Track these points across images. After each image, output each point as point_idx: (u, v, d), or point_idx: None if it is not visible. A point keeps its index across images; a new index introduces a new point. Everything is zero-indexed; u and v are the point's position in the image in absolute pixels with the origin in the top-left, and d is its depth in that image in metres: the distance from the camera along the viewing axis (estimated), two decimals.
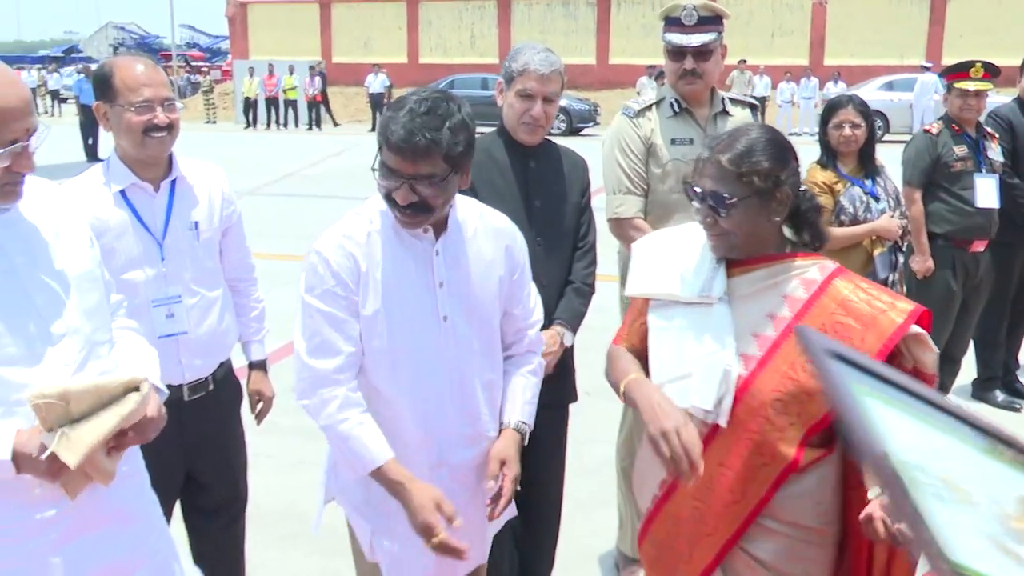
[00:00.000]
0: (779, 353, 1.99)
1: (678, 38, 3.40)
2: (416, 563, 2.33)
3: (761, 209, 2.01)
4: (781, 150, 2.05)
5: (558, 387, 3.14)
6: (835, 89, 23.25)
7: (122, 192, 2.68)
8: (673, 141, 3.45)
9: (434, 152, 2.05)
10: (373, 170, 2.16)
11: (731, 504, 2.04)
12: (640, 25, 31.85)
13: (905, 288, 4.64)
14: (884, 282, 4.24)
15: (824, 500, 2.05)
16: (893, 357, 2.00)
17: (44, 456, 1.68)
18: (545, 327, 3.00)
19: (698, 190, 2.04)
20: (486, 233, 2.36)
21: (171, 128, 2.68)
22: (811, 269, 2.04)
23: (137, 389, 1.79)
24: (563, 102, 3.12)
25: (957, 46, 27.71)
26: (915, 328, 1.95)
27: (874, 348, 1.91)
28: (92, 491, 1.84)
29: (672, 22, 3.42)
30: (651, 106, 3.51)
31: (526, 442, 2.50)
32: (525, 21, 33.55)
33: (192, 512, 3.07)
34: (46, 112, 34.21)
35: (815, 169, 4.36)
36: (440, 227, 2.25)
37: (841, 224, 4.24)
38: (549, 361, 2.97)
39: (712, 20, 3.40)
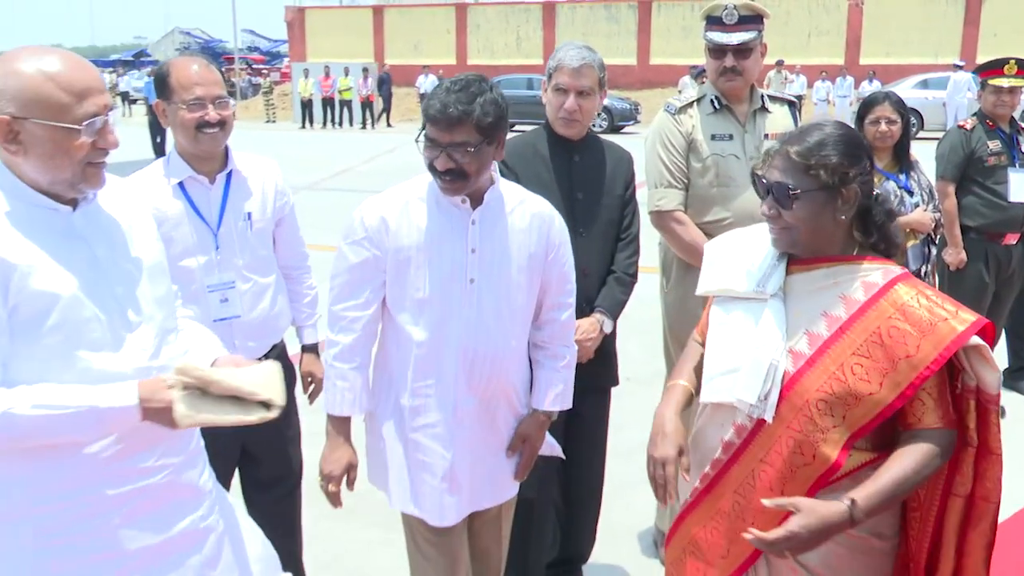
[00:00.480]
0: (829, 353, 1.90)
1: (719, 36, 3.37)
2: (435, 499, 2.50)
3: (826, 205, 1.92)
4: (854, 147, 1.95)
5: (601, 371, 3.17)
6: (870, 88, 22.90)
7: (180, 184, 2.76)
8: (713, 137, 3.43)
9: (466, 122, 2.25)
10: (417, 142, 2.38)
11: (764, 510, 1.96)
12: (680, 27, 31.61)
13: (937, 280, 4.58)
14: (916, 273, 4.19)
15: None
16: (955, 374, 1.92)
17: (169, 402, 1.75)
18: (586, 315, 3.02)
19: (765, 181, 1.97)
20: (523, 213, 2.50)
21: (223, 124, 2.74)
22: (874, 273, 1.93)
23: (268, 407, 1.81)
24: (604, 101, 3.09)
25: (991, 45, 27.14)
26: (976, 340, 1.82)
27: (929, 356, 1.81)
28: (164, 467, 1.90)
29: (713, 21, 3.39)
30: (692, 103, 3.49)
31: (546, 428, 2.69)
32: (569, 24, 33.43)
33: (248, 485, 3.14)
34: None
35: None
36: (477, 200, 2.42)
37: None
38: (588, 347, 2.98)
39: (752, 19, 3.36)
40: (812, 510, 1.80)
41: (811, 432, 1.90)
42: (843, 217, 1.93)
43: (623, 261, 3.15)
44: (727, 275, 2.08)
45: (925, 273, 4.22)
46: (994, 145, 4.88)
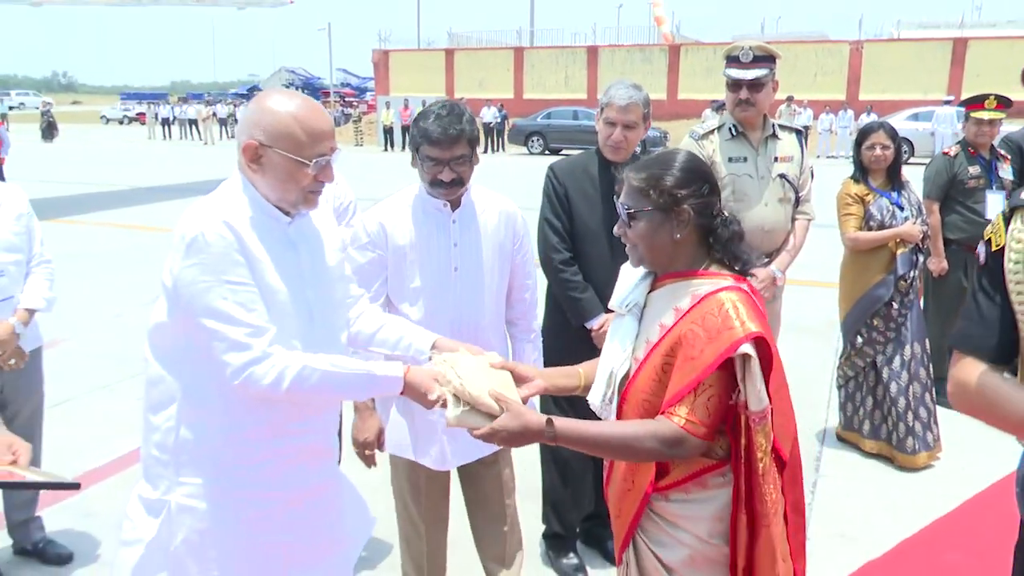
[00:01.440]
0: (651, 356, 1.78)
1: (736, 72, 3.36)
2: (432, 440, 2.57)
3: (662, 224, 1.78)
4: (688, 172, 1.80)
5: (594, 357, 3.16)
6: (868, 119, 22.47)
7: None
8: (730, 159, 3.41)
9: (461, 138, 2.37)
10: (414, 167, 2.47)
11: (626, 491, 1.87)
12: (704, 68, 31.28)
13: (923, 284, 4.49)
14: (904, 277, 4.11)
15: (726, 520, 1.77)
16: (736, 386, 1.71)
17: (433, 396, 1.79)
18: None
19: (617, 203, 1.86)
20: (493, 212, 2.59)
21: None
22: (704, 286, 1.78)
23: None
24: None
25: (975, 84, 26.37)
26: (747, 348, 1.65)
27: (708, 359, 1.66)
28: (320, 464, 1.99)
29: (732, 60, 3.38)
30: (713, 131, 3.48)
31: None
32: (609, 65, 33.28)
33: None
34: (232, 136, 35.29)
35: (849, 183, 4.24)
36: (456, 203, 2.51)
37: (870, 228, 4.13)
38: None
39: (765, 59, 3.35)
40: (519, 414, 1.70)
41: None
42: (678, 235, 1.78)
43: None
44: (615, 294, 1.97)
45: (913, 278, 4.14)
46: (974, 170, 4.78)
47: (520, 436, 1.71)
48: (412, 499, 2.69)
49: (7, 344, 2.88)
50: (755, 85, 3.34)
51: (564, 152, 24.77)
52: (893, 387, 4.15)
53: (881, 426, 4.23)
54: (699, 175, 1.82)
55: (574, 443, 1.75)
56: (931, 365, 4.27)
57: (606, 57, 33.74)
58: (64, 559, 3.28)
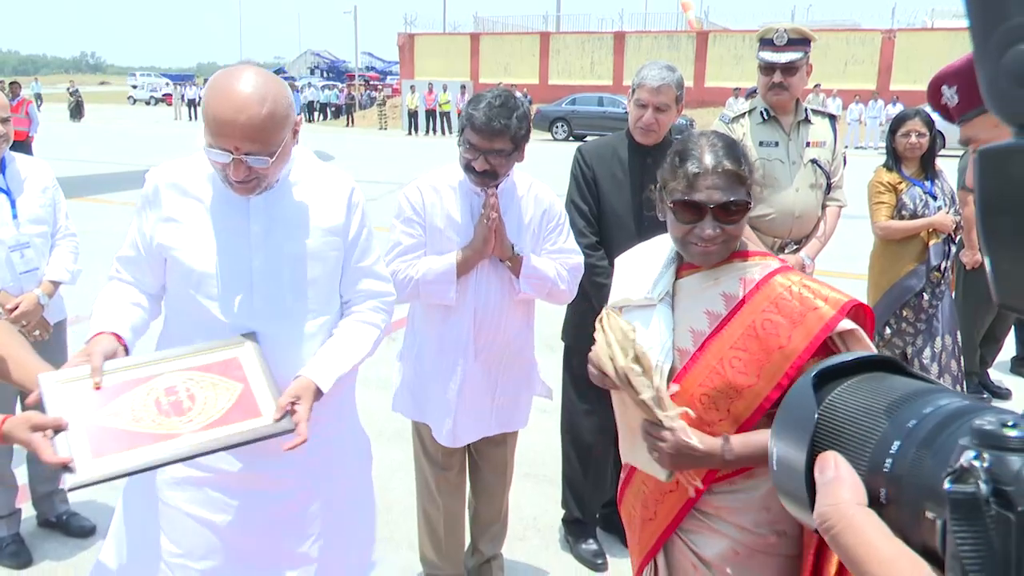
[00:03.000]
0: (709, 348, 1.67)
1: (770, 56, 3.29)
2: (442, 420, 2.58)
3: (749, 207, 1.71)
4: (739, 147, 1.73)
5: None
6: (893, 110, 22.22)
7: None
8: (761, 143, 3.35)
9: (505, 134, 2.32)
10: (458, 145, 2.42)
11: (667, 492, 1.76)
12: (732, 55, 30.92)
13: (955, 276, 4.40)
14: (937, 268, 4.04)
15: (774, 509, 1.68)
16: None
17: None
18: None
19: (709, 206, 1.65)
20: (531, 196, 2.56)
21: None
22: (752, 269, 1.70)
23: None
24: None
25: None
26: (848, 324, 1.58)
27: (800, 345, 1.58)
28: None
29: (766, 42, 3.31)
30: (744, 114, 3.41)
31: None
32: (636, 51, 32.97)
33: None
34: None
35: (881, 171, 4.16)
36: (496, 186, 2.46)
37: (902, 218, 4.05)
38: None
39: (800, 41, 3.27)
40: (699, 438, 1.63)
41: (698, 426, 1.67)
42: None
43: None
44: (627, 286, 1.84)
45: (945, 269, 4.06)
46: None
47: (697, 458, 1.63)
48: (431, 471, 2.71)
49: (32, 315, 2.90)
50: (789, 68, 3.27)
51: (588, 138, 24.69)
52: None
53: None
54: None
55: (749, 458, 1.62)
56: (962, 358, 4.20)
57: (633, 43, 33.43)
58: (87, 531, 3.32)
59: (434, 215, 2.48)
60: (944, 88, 1.17)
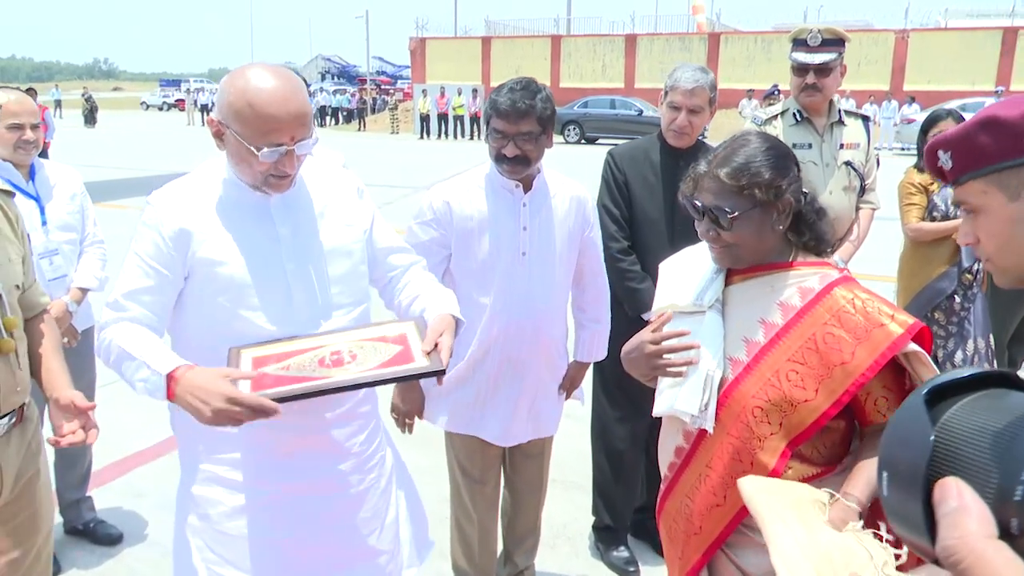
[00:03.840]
0: (765, 360, 1.62)
1: (803, 56, 3.23)
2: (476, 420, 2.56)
3: (764, 220, 1.63)
4: (781, 159, 1.65)
5: None
6: (909, 110, 22.09)
7: None
8: (794, 145, 3.25)
9: (531, 114, 2.29)
10: (486, 141, 2.41)
11: (714, 507, 1.70)
12: (744, 57, 30.82)
13: (986, 277, 4.33)
14: (968, 270, 3.98)
15: None
16: (898, 375, 1.60)
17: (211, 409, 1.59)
18: None
19: (699, 204, 1.65)
20: (564, 197, 2.52)
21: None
22: (811, 278, 1.64)
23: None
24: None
25: None
26: (913, 346, 1.54)
27: (864, 363, 1.53)
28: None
29: (799, 43, 3.25)
30: (777, 116, 3.36)
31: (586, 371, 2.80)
32: (647, 54, 32.91)
33: None
34: None
35: (912, 172, 4.10)
36: (527, 186, 2.44)
37: (933, 219, 3.99)
38: None
39: (834, 42, 3.22)
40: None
41: (748, 439, 1.62)
42: (780, 227, 1.65)
43: None
44: (673, 292, 1.80)
45: (977, 271, 4.00)
46: None
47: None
48: (466, 484, 2.66)
49: (61, 323, 2.88)
50: (822, 70, 3.21)
51: (600, 142, 24.63)
52: None
53: None
54: (789, 156, 1.69)
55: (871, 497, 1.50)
56: (995, 361, 4.13)
57: (644, 46, 33.36)
58: (114, 539, 3.30)
59: (463, 218, 2.43)
60: (940, 152, 1.24)
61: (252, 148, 1.65)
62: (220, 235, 1.74)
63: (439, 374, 1.67)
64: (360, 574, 1.94)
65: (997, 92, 21.90)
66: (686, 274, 1.80)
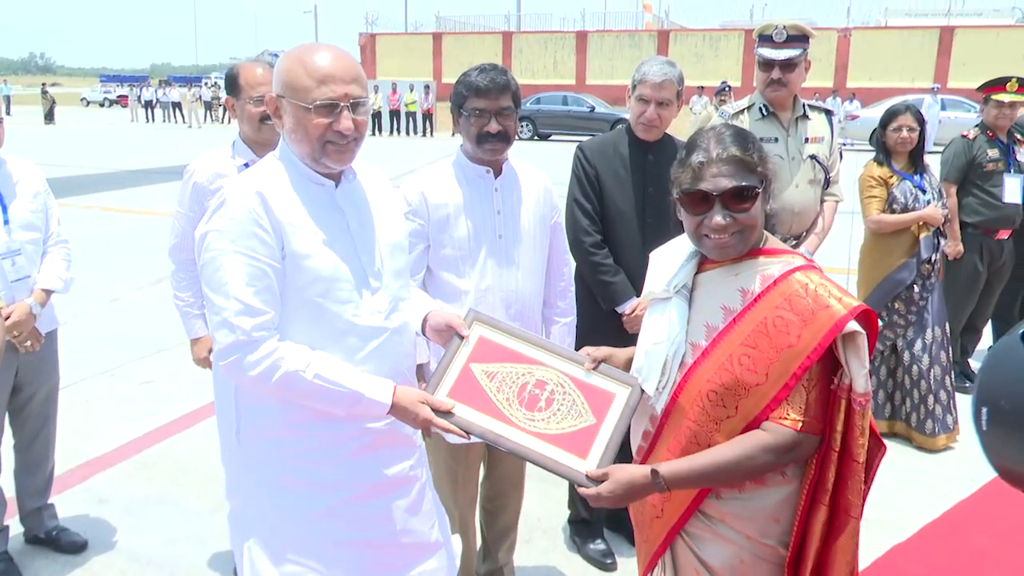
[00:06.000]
0: (721, 344, 1.62)
1: (768, 52, 3.29)
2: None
3: (764, 196, 1.65)
4: (758, 141, 1.69)
5: None
6: (850, 107, 22.68)
7: (245, 165, 2.76)
8: (761, 139, 3.32)
9: (507, 90, 2.37)
10: (456, 133, 2.45)
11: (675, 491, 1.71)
12: (692, 54, 31.25)
13: (942, 267, 4.47)
14: (927, 261, 4.09)
15: (784, 520, 1.65)
16: (838, 371, 1.59)
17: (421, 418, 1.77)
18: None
19: (715, 194, 1.61)
20: (531, 181, 2.58)
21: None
22: (773, 265, 1.64)
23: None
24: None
25: (961, 72, 26.61)
26: (853, 326, 1.53)
27: (810, 344, 1.53)
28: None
29: (765, 39, 3.31)
30: (743, 110, 3.41)
31: None
32: (598, 51, 33.15)
33: None
34: (217, 120, 34.59)
35: (872, 165, 4.21)
36: (497, 171, 2.48)
37: (893, 211, 4.10)
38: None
39: (798, 38, 3.28)
40: (618, 480, 1.59)
41: (705, 422, 1.63)
42: (768, 209, 1.67)
43: None
44: (653, 280, 1.81)
45: (934, 260, 4.12)
46: (993, 153, 4.73)
47: (629, 494, 1.61)
48: (449, 485, 2.64)
49: (24, 325, 2.78)
50: (788, 65, 3.27)
51: (552, 139, 24.70)
52: (914, 370, 4.13)
53: (900, 407, 4.22)
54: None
55: (686, 483, 1.61)
56: (950, 348, 4.26)
57: (595, 43, 33.60)
58: (79, 547, 3.19)
59: (438, 206, 2.44)
60: None
61: (306, 106, 1.67)
62: (305, 228, 1.72)
63: (577, 481, 1.66)
64: (429, 568, 1.98)
65: (934, 89, 22.53)
66: (667, 262, 1.82)
